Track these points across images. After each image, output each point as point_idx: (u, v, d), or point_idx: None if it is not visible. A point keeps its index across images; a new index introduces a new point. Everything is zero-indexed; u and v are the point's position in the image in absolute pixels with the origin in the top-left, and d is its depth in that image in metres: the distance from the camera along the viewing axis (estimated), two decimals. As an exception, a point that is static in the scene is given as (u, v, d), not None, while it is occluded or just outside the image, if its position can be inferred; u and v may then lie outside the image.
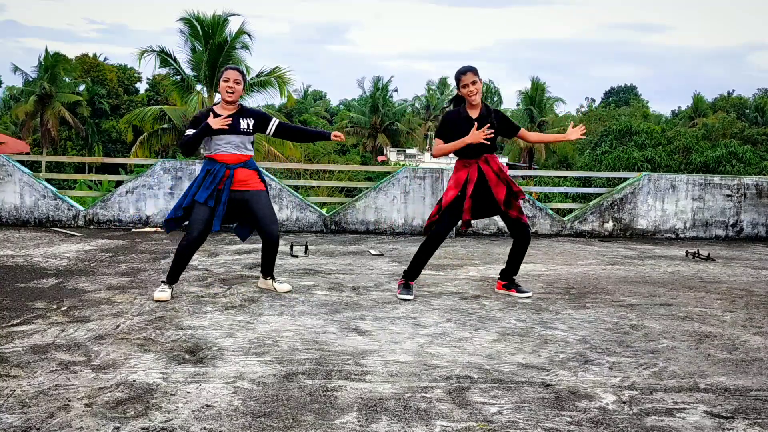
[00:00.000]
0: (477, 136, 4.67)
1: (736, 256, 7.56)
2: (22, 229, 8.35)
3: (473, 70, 4.76)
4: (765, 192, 9.39)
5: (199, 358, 3.32)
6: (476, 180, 4.81)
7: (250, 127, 4.78)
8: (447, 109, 5.02)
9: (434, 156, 4.99)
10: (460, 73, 4.78)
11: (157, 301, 4.56)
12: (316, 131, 5.22)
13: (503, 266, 5.24)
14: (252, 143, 4.88)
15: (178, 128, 26.82)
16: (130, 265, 5.99)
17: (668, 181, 9.29)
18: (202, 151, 4.92)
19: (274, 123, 4.91)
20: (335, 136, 5.01)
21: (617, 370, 3.29)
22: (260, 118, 4.86)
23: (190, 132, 4.67)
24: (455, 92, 4.98)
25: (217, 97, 25.33)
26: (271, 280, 5.06)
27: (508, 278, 5.11)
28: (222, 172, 4.69)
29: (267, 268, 5.01)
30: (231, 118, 4.70)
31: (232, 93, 4.70)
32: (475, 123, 4.77)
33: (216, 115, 4.72)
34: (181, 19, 25.41)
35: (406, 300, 4.82)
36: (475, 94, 4.74)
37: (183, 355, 3.36)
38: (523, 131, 5.01)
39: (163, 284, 4.73)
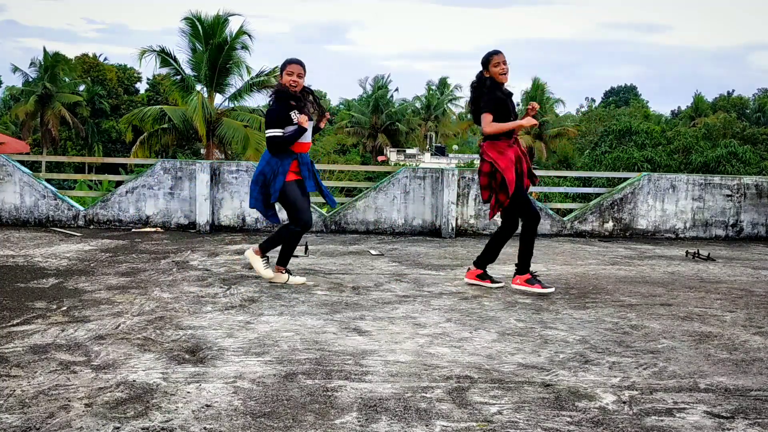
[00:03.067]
0: (531, 120, 4.93)
1: (736, 256, 7.56)
2: (22, 229, 8.35)
3: (502, 52, 4.99)
4: (765, 192, 9.39)
5: (199, 358, 3.32)
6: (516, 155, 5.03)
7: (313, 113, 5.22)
8: (485, 89, 5.01)
9: (490, 133, 4.93)
10: (492, 54, 4.97)
11: (298, 284, 5.17)
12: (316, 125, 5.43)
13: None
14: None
15: (178, 128, 26.81)
16: (130, 265, 5.99)
17: (668, 181, 9.29)
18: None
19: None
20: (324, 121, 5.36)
21: (617, 370, 3.29)
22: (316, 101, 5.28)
23: (278, 133, 4.96)
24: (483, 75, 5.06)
25: (218, 98, 24.92)
26: (285, 272, 5.32)
27: (484, 266, 5.29)
28: (308, 160, 5.16)
29: (286, 257, 5.30)
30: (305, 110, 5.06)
31: (296, 86, 5.03)
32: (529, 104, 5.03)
33: (293, 95, 5.02)
34: (184, 19, 25.44)
35: (550, 292, 5.03)
36: (507, 73, 4.96)
37: (183, 355, 3.36)
38: None
39: (286, 273, 5.25)
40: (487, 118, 4.90)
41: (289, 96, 5.02)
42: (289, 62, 5.07)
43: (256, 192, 5.15)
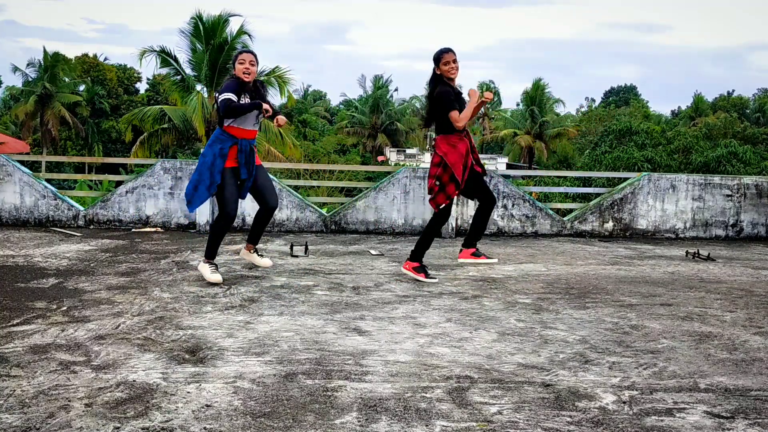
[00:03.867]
0: (484, 96, 5.19)
1: (736, 256, 7.56)
2: (22, 229, 8.35)
3: (453, 51, 5.27)
4: (765, 192, 9.39)
5: (199, 358, 3.32)
6: (467, 147, 5.39)
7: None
8: (439, 89, 5.35)
9: (462, 125, 5.30)
10: (443, 53, 5.27)
11: (213, 283, 5.13)
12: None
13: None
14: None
15: (178, 128, 26.82)
16: (130, 265, 5.99)
17: (668, 181, 9.29)
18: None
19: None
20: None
21: (617, 370, 3.29)
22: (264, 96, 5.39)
23: (233, 97, 5.02)
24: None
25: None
26: (254, 252, 5.61)
27: (474, 245, 5.64)
28: (248, 147, 5.20)
29: (256, 236, 5.55)
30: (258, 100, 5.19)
31: (249, 74, 5.16)
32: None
33: (243, 83, 5.15)
34: (190, 19, 25.48)
35: (434, 282, 5.33)
36: (456, 71, 5.26)
37: (183, 355, 3.36)
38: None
39: (209, 264, 5.25)
40: (454, 114, 5.25)
41: (240, 85, 5.15)
42: (240, 52, 5.28)
43: (195, 174, 5.21)
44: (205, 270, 5.23)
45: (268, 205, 5.38)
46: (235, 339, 3.68)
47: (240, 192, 5.26)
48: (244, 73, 5.13)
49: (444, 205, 5.41)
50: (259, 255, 5.66)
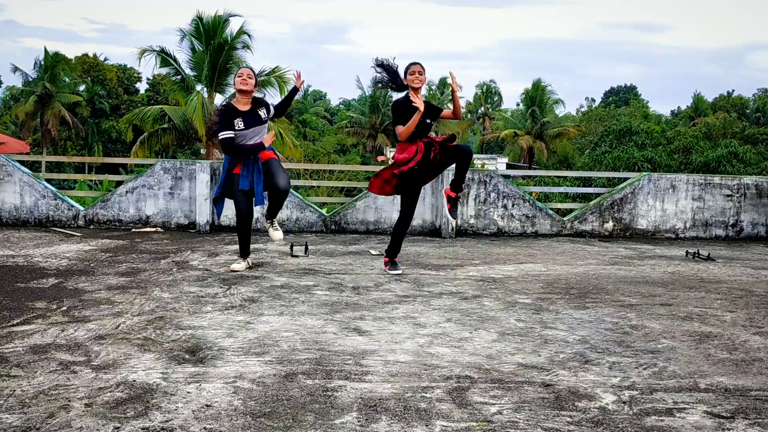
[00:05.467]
0: (419, 103, 5.49)
1: (736, 256, 7.56)
2: (22, 229, 8.35)
3: (420, 64, 5.63)
4: (765, 192, 9.39)
5: (199, 358, 3.32)
6: (424, 150, 5.64)
7: (267, 116, 5.80)
8: (395, 100, 5.74)
9: (402, 139, 5.66)
10: (410, 65, 5.63)
11: (233, 271, 5.70)
12: (289, 94, 6.15)
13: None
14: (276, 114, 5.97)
15: (178, 128, 26.81)
16: (130, 265, 5.99)
17: (668, 181, 9.29)
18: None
19: (272, 106, 5.97)
20: (298, 81, 5.97)
21: (617, 370, 3.29)
22: (269, 106, 5.90)
23: (229, 135, 5.60)
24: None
25: (218, 98, 25.02)
26: (269, 224, 6.02)
27: (458, 188, 5.93)
28: (251, 161, 5.70)
29: (270, 211, 6.00)
30: (253, 114, 5.72)
31: (246, 84, 5.64)
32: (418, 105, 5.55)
33: (234, 108, 5.67)
34: (192, 19, 25.47)
35: (398, 274, 5.78)
36: (420, 82, 5.57)
37: (183, 355, 3.36)
38: (444, 111, 5.88)
39: (239, 258, 5.92)
40: (398, 129, 5.62)
41: (229, 113, 5.67)
42: (238, 68, 5.98)
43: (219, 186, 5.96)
44: (236, 266, 5.85)
45: (274, 186, 5.69)
46: (235, 339, 3.68)
47: (253, 194, 5.77)
48: (241, 84, 5.62)
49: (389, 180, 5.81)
50: (274, 228, 6.02)
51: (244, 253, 5.91)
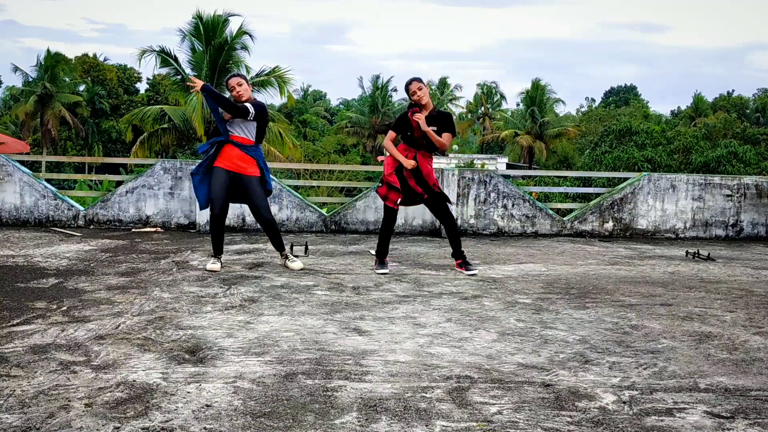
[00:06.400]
0: (410, 163, 5.75)
1: (736, 256, 7.56)
2: (22, 229, 8.35)
3: (417, 78, 5.80)
4: (765, 192, 9.39)
5: (199, 358, 3.32)
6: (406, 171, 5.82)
7: (251, 112, 5.64)
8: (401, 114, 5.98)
9: (384, 146, 6.03)
10: (410, 81, 5.79)
11: (210, 271, 5.69)
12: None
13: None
14: (256, 135, 5.77)
15: (178, 128, 26.80)
16: (130, 265, 5.99)
17: (668, 181, 9.30)
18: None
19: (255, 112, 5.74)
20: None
21: (617, 370, 3.29)
22: (258, 108, 5.74)
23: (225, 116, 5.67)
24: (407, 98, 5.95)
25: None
26: (284, 258, 6.00)
27: (458, 255, 6.02)
28: (215, 145, 5.70)
29: (276, 244, 5.99)
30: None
31: (240, 96, 5.69)
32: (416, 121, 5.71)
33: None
34: (192, 19, 25.45)
35: (384, 273, 5.80)
36: (418, 97, 5.73)
37: (183, 355, 3.36)
38: (444, 135, 5.80)
39: (212, 258, 5.87)
40: (389, 135, 5.93)
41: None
42: (228, 78, 5.84)
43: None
44: (210, 266, 5.80)
45: (258, 220, 5.88)
46: (235, 339, 3.68)
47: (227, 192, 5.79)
48: (235, 96, 5.70)
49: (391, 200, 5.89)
50: (290, 261, 5.98)
51: (216, 251, 5.87)
